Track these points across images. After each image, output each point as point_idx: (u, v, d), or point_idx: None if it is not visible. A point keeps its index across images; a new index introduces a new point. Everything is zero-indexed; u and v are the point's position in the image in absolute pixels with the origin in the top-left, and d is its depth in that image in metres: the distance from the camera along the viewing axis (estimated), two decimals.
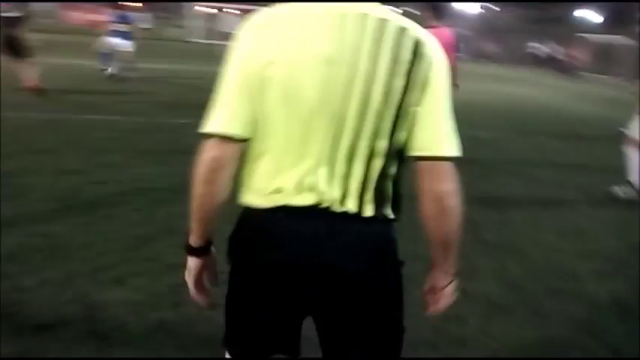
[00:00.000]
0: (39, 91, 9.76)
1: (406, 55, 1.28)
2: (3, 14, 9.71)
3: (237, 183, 1.43)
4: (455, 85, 5.74)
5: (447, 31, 5.89)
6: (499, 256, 4.17)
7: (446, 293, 1.51)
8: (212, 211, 1.39)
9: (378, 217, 1.37)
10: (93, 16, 32.46)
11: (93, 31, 16.03)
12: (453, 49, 5.73)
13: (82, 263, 3.48)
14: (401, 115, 1.31)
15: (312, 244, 1.33)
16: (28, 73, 9.86)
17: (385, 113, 1.30)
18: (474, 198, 5.64)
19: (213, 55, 8.79)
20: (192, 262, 1.48)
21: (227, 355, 1.55)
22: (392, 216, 1.41)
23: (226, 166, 1.35)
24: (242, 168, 1.42)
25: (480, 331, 3.06)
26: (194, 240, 1.46)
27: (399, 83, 1.28)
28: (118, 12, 12.62)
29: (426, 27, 1.32)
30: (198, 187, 1.37)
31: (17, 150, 6.10)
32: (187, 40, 29.10)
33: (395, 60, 1.28)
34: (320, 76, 1.27)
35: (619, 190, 5.92)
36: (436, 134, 1.34)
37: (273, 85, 1.28)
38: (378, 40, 1.27)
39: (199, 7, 32.99)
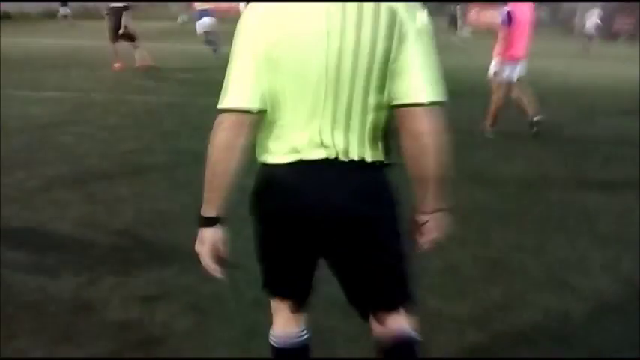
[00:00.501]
0: (151, 68, 11.58)
1: (384, 21, 1.49)
2: (112, 5, 11.66)
3: (253, 145, 1.65)
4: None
5: (525, 7, 6.58)
6: (613, 248, 3.87)
7: (428, 228, 1.66)
8: (229, 177, 1.58)
9: (376, 164, 1.62)
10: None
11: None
12: (529, 24, 6.61)
13: None
14: (386, 73, 1.52)
15: (325, 191, 1.57)
16: (139, 54, 11.75)
17: (372, 74, 1.52)
18: (589, 184, 5.32)
19: None
20: (207, 233, 1.63)
21: (271, 299, 1.86)
22: (387, 162, 1.65)
23: (244, 136, 1.57)
24: (258, 133, 1.65)
25: (585, 328, 2.86)
26: (208, 210, 1.62)
27: (381, 46, 1.49)
28: None
29: (507, 1, 1.50)
30: (218, 155, 1.57)
31: (139, 132, 6.60)
32: None
33: (375, 27, 1.49)
34: (319, 49, 1.50)
35: None
36: (412, 83, 1.52)
37: (282, 63, 1.52)
38: (359, 13, 1.48)
39: None
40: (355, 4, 1.49)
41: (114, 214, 4.15)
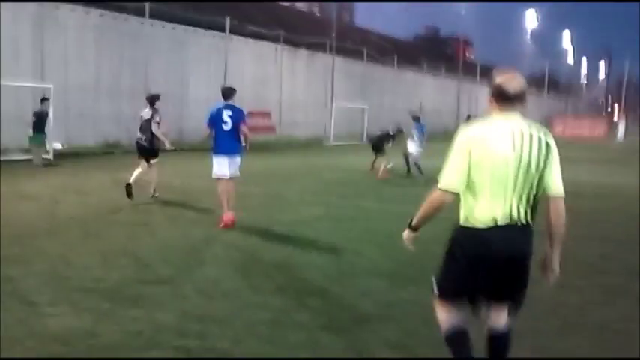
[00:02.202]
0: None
1: (540, 147, 2.91)
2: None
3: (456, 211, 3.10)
4: None
5: None
6: None
7: (554, 269, 3.11)
8: (430, 218, 3.07)
9: (531, 226, 2.99)
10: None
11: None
12: None
13: None
14: (539, 178, 2.92)
15: (509, 244, 2.95)
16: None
17: (534, 178, 2.91)
18: None
19: None
20: (410, 231, 3.18)
21: (438, 302, 3.20)
22: (531, 222, 2.99)
23: (446, 205, 2.99)
24: (464, 205, 3.03)
25: None
26: (415, 224, 3.14)
27: (537, 161, 2.89)
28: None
29: None
30: (429, 210, 3.04)
31: None
32: None
33: (536, 150, 2.90)
34: (506, 162, 2.87)
35: None
36: (554, 183, 2.96)
37: (481, 166, 2.88)
38: (530, 141, 2.90)
39: None
40: (528, 136, 2.90)
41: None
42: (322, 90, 30.98)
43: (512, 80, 2.93)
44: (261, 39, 27.35)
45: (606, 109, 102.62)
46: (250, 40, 26.74)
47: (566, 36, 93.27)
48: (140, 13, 21.00)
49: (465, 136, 2.93)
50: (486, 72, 57.45)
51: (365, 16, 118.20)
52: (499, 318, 3.17)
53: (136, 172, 9.80)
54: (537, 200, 2.95)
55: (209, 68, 23.86)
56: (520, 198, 2.89)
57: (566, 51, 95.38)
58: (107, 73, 20.25)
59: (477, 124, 2.99)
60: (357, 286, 5.42)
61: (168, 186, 11.11)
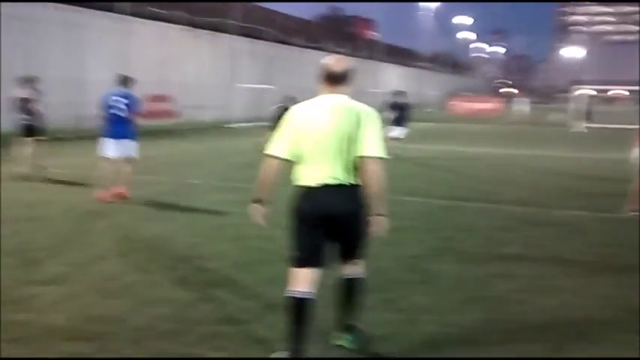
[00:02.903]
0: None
1: (353, 116, 3.35)
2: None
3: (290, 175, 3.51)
4: None
5: None
6: None
7: (377, 223, 3.37)
8: (267, 185, 3.49)
9: (354, 184, 3.36)
10: (480, 105, 45.51)
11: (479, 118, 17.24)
12: None
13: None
14: (355, 144, 3.32)
15: (330, 200, 3.35)
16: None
17: (348, 143, 3.33)
18: None
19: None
20: (255, 206, 3.56)
21: (292, 268, 3.46)
22: (358, 183, 3.37)
23: (273, 171, 3.46)
24: (294, 170, 3.47)
25: None
26: (255, 196, 3.54)
27: (354, 133, 3.33)
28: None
29: None
30: (262, 177, 3.46)
31: (421, 234, 6.90)
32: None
33: (347, 120, 3.34)
34: (323, 132, 3.34)
35: None
36: (368, 147, 3.32)
37: (306, 136, 3.37)
38: (340, 114, 3.36)
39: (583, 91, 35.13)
40: (338, 109, 3.38)
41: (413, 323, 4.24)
42: (227, 72, 30.35)
43: (337, 62, 3.47)
44: (162, 20, 26.34)
45: (503, 85, 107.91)
46: (151, 22, 25.68)
47: (463, 16, 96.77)
48: None
49: (292, 112, 3.48)
50: (390, 51, 58.79)
51: None
52: (350, 268, 3.59)
53: (26, 157, 9.91)
54: (355, 162, 3.36)
55: (108, 51, 22.67)
56: (340, 161, 3.33)
57: (462, 29, 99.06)
58: None
59: (305, 102, 3.50)
60: (265, 273, 5.29)
61: (66, 174, 10.47)
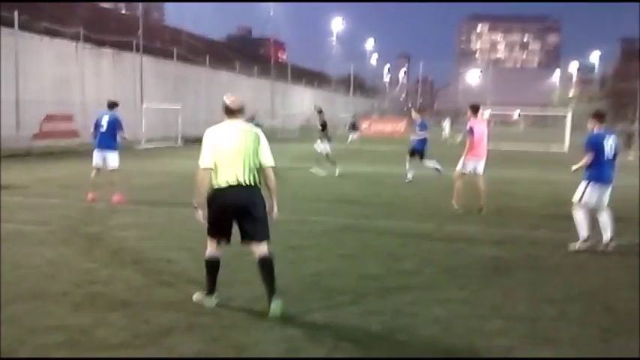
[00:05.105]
0: None
1: (252, 135, 4.89)
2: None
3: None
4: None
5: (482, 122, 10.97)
6: None
7: (272, 210, 4.97)
8: (203, 191, 4.84)
9: (256, 185, 4.88)
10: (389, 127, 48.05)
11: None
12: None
13: None
14: (256, 154, 4.86)
15: (237, 197, 4.80)
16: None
17: (252, 155, 4.85)
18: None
19: None
20: (198, 211, 4.88)
21: (208, 238, 4.96)
22: (255, 184, 4.87)
23: (207, 178, 4.81)
24: (213, 175, 4.78)
25: None
26: (196, 202, 4.88)
27: (253, 145, 4.86)
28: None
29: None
30: (199, 186, 4.83)
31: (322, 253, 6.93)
32: None
33: (251, 139, 4.87)
34: (234, 147, 4.80)
35: None
36: (264, 158, 4.90)
37: (219, 151, 4.78)
38: (246, 135, 4.87)
39: None
40: (245, 132, 4.86)
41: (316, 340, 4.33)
42: (131, 91, 29.43)
43: (234, 101, 4.94)
44: (58, 36, 25.28)
45: (406, 107, 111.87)
46: (46, 38, 24.56)
47: (370, 40, 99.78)
48: None
49: (208, 134, 4.87)
50: (301, 74, 59.51)
51: (176, 15, 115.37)
52: (258, 249, 4.86)
53: None
54: (258, 169, 4.86)
55: None
56: (244, 168, 4.77)
57: (370, 54, 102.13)
58: None
59: (215, 126, 4.89)
60: (162, 296, 5.22)
61: None
